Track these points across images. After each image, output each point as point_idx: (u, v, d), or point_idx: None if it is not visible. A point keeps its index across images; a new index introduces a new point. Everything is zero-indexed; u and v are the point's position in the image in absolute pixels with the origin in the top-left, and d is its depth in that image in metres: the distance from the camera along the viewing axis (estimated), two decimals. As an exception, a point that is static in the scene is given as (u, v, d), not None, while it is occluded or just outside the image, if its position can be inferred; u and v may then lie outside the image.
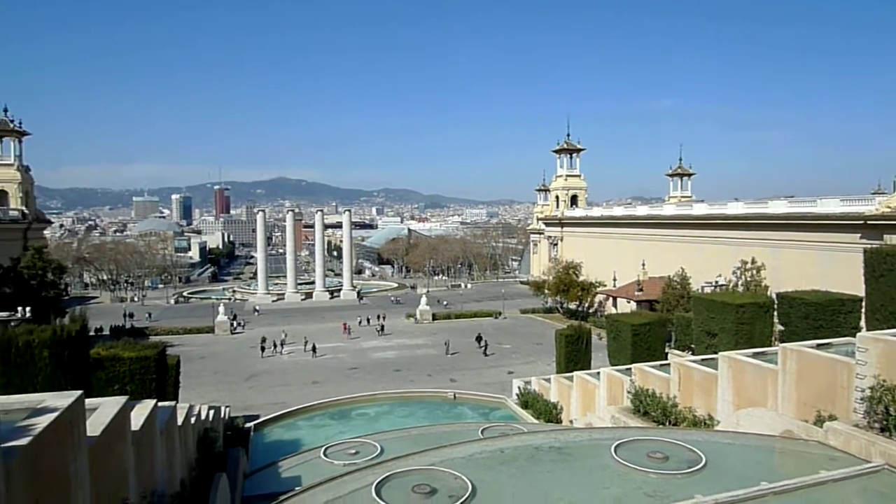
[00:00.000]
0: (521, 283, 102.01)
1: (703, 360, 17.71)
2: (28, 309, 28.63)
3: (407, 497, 9.81)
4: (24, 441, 4.99)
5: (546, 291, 73.18)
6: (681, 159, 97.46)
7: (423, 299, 72.57)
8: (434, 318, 69.38)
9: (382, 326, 63.09)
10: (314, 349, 50.60)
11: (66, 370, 11.12)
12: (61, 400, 5.86)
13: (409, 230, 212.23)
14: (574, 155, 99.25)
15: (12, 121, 73.78)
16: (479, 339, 52.62)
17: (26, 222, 74.14)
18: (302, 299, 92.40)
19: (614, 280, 68.05)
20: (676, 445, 11.57)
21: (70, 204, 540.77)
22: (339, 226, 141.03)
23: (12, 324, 19.92)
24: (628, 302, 60.74)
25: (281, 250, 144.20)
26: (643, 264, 64.59)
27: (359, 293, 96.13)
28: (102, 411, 7.48)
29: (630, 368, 20.90)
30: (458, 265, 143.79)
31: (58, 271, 59.57)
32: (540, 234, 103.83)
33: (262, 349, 51.48)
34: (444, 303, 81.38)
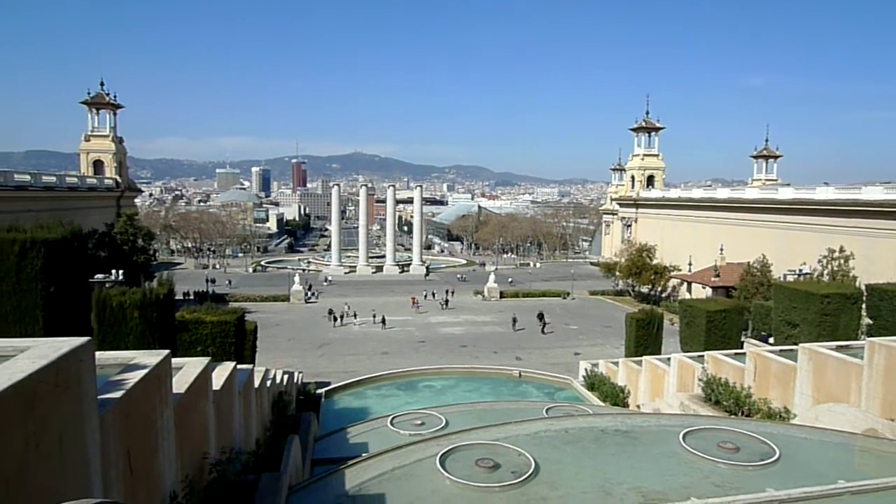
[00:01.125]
0: (592, 264, 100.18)
1: (781, 350, 16.95)
2: (121, 272, 30.60)
3: (470, 470, 9.95)
4: (117, 394, 5.39)
5: (617, 273, 71.61)
6: (767, 140, 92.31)
7: (491, 277, 72.60)
8: (502, 295, 69.36)
9: (447, 301, 64.12)
10: (384, 321, 51.73)
11: (154, 330, 11.85)
12: (151, 358, 6.27)
13: (480, 207, 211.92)
14: (652, 134, 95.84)
15: (108, 94, 78.26)
16: (540, 316, 52.55)
17: (119, 191, 79.01)
18: (372, 272, 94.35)
19: (689, 265, 65.75)
20: (749, 437, 11.18)
21: (159, 174, 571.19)
22: (410, 201, 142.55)
23: (107, 285, 21.34)
24: (703, 288, 58.64)
25: (354, 224, 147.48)
26: (721, 249, 62.02)
27: (427, 268, 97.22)
28: (187, 370, 7.95)
29: (702, 356, 20.26)
30: (527, 244, 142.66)
31: (147, 238, 63.32)
32: (613, 214, 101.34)
33: (335, 319, 53.09)
34: (510, 280, 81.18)
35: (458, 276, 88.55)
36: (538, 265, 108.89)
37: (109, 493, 5.10)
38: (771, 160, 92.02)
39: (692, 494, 9.07)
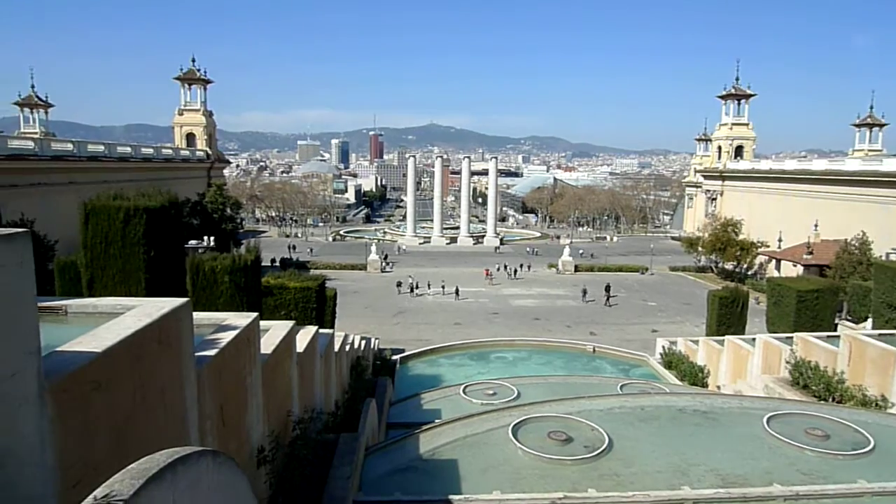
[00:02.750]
0: (673, 238, 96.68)
1: (880, 335, 15.90)
2: (212, 239, 32.29)
3: (542, 442, 10.01)
4: (212, 352, 5.75)
5: (700, 249, 68.83)
6: (871, 107, 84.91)
7: (566, 250, 71.54)
8: (576, 269, 68.33)
9: (515, 271, 64.65)
10: (457, 292, 52.20)
11: (242, 294, 12.50)
12: (241, 319, 6.64)
13: (555, 179, 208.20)
14: (742, 101, 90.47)
15: (199, 70, 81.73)
16: (607, 288, 52.33)
17: (210, 162, 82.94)
18: (447, 243, 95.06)
19: (779, 241, 62.27)
20: (840, 424, 10.64)
21: (245, 146, 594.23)
22: (484, 173, 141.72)
23: (199, 251, 22.60)
24: (794, 265, 55.46)
25: (429, 195, 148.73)
26: (815, 225, 58.31)
27: (501, 240, 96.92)
28: (273, 332, 8.36)
29: (791, 337, 19.33)
30: (604, 217, 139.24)
31: (235, 207, 66.37)
32: (697, 187, 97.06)
33: (411, 289, 53.99)
34: (581, 252, 79.53)
35: (528, 249, 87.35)
36: (615, 239, 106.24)
37: (204, 444, 5.48)
38: (876, 129, 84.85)
39: (775, 481, 8.77)
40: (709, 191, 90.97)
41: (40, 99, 71.12)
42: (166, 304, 4.87)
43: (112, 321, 4.51)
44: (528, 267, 68.37)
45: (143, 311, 4.74)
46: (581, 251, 79.88)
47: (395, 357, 29.62)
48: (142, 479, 2.41)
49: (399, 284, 54.96)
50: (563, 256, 69.56)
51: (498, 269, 65.61)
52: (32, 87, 70.74)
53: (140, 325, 4.35)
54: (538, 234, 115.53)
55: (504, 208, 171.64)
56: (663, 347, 28.98)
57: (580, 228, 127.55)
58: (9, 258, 3.06)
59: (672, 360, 26.76)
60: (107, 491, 2.32)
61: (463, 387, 18.03)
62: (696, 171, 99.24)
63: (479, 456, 9.93)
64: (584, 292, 52.43)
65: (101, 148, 59.23)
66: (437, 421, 12.23)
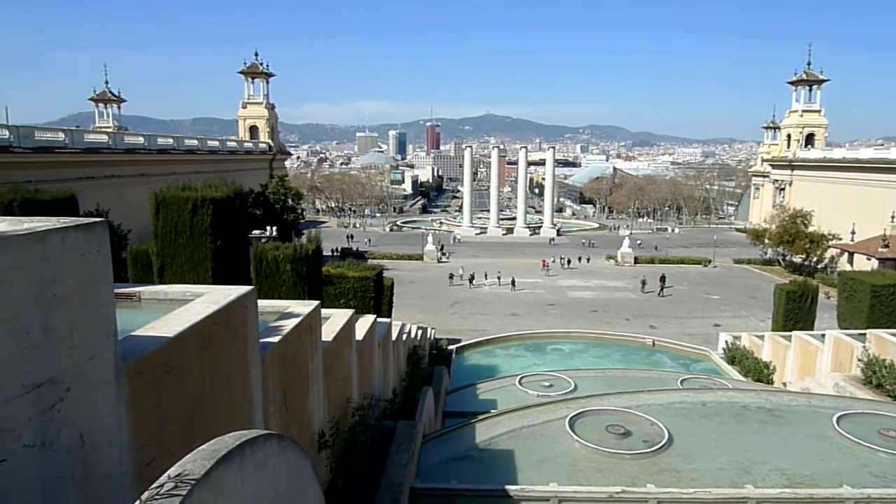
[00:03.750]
0: (738, 230, 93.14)
1: (967, 333, 14.91)
2: (274, 228, 33.22)
3: (600, 435, 9.89)
4: (275, 339, 5.92)
5: (767, 241, 66.08)
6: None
7: (626, 241, 70.06)
8: (636, 261, 66.83)
9: (569, 261, 64.47)
10: (513, 283, 51.96)
11: (303, 282, 12.84)
12: (303, 307, 6.81)
13: (615, 169, 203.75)
14: (814, 87, 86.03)
15: (261, 64, 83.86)
16: (662, 278, 51.48)
17: (272, 154, 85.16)
18: (503, 234, 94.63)
19: (852, 233, 59.07)
20: (919, 426, 10.07)
21: (305, 138, 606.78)
22: (541, 163, 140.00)
23: (262, 240, 23.30)
24: (868, 259, 52.57)
25: (485, 185, 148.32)
26: (893, 217, 55.03)
27: (558, 231, 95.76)
28: (333, 321, 8.54)
29: (864, 334, 18.38)
30: (665, 208, 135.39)
31: (296, 197, 67.93)
32: (764, 177, 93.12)
33: (470, 280, 53.73)
34: (639, 243, 77.66)
35: (584, 241, 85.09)
36: (677, 230, 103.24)
37: (268, 427, 5.66)
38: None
39: (845, 482, 8.40)
40: (777, 181, 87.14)
41: (113, 95, 74.71)
42: (233, 292, 5.04)
43: (182, 307, 4.70)
44: (588, 259, 67.36)
45: (211, 298, 4.93)
46: (640, 242, 78.08)
47: (451, 347, 29.78)
48: (212, 460, 2.51)
49: (451, 277, 54.75)
50: (623, 248, 68.16)
51: (553, 261, 64.88)
52: (106, 83, 74.42)
53: (208, 312, 4.52)
54: (596, 225, 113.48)
55: (561, 199, 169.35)
56: (726, 342, 28.06)
57: (640, 220, 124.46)
58: (88, 247, 3.23)
59: (735, 356, 25.90)
60: (179, 470, 2.43)
61: (519, 378, 17.98)
62: (763, 161, 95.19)
63: (536, 447, 9.89)
64: (643, 284, 51.64)
65: (170, 141, 61.68)
66: (493, 411, 12.25)
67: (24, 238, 2.80)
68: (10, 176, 29.80)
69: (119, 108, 76.05)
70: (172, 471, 2.45)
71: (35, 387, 2.87)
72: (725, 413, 11.27)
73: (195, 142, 68.47)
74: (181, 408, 4.20)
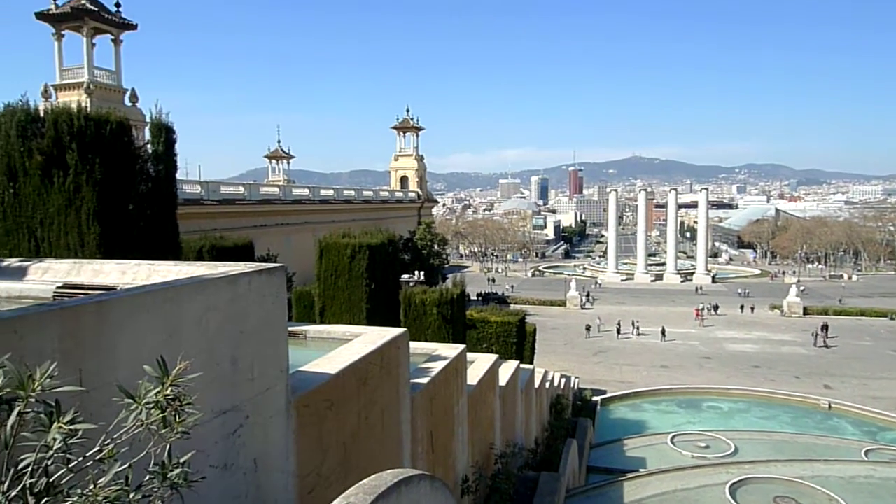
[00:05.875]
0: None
1: None
2: (421, 273, 34.54)
3: (767, 506, 8.95)
4: (424, 380, 6.12)
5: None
6: None
7: (792, 290, 63.73)
8: (805, 311, 60.41)
9: (716, 307, 60.96)
10: (663, 332, 49.20)
11: (448, 326, 13.16)
12: (450, 350, 6.98)
13: (777, 210, 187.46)
14: None
15: (412, 118, 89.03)
16: (824, 327, 47.39)
17: (420, 202, 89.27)
18: (651, 280, 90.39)
19: None
20: None
21: (450, 186, 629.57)
22: (693, 205, 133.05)
23: (410, 284, 24.25)
24: None
25: (631, 230, 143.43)
26: None
27: (713, 278, 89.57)
28: (478, 365, 8.64)
29: None
30: (839, 252, 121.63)
31: (441, 243, 70.30)
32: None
33: (617, 330, 51.32)
34: (803, 289, 69.33)
35: (739, 291, 76.62)
36: (854, 278, 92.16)
37: (415, 467, 5.81)
38: None
39: None
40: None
41: (284, 152, 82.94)
42: (387, 333, 5.32)
43: (342, 346, 5.05)
44: (752, 308, 61.94)
45: (368, 338, 5.23)
46: (803, 289, 69.89)
47: (595, 398, 28.68)
48: (373, 496, 2.65)
49: (588, 328, 51.64)
50: (789, 297, 62.03)
51: (702, 307, 59.96)
52: (279, 141, 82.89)
53: (366, 352, 4.81)
54: (757, 272, 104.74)
55: (716, 243, 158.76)
56: (924, 409, 24.30)
57: (809, 265, 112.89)
58: (269, 289, 3.62)
59: (936, 426, 22.31)
60: (344, 502, 2.59)
61: (671, 436, 16.87)
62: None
63: (691, 513, 9.15)
64: (815, 335, 46.72)
65: (331, 192, 67.14)
66: (642, 470, 11.58)
67: (219, 280, 3.20)
68: (200, 225, 33.96)
69: (288, 163, 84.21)
70: (337, 502, 2.61)
71: (222, 413, 3.22)
72: (925, 492, 9.71)
73: (352, 192, 73.79)
74: (339, 441, 4.46)
